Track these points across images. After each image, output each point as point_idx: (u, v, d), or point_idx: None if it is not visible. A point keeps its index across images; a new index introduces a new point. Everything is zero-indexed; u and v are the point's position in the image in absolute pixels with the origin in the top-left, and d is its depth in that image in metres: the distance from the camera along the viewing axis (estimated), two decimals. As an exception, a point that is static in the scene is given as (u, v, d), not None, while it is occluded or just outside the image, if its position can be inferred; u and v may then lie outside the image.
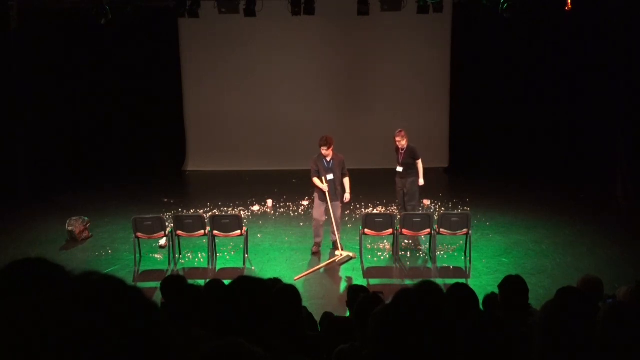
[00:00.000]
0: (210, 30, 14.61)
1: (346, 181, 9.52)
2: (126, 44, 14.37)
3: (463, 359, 1.49)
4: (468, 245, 8.97)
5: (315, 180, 9.36)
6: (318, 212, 9.44)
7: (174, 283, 4.69)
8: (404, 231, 8.99)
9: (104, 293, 1.05)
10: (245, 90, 15.07)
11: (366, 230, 9.04)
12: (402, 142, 9.89)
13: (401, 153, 9.96)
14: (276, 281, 4.58)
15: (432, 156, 15.02)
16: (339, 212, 9.56)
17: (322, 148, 9.35)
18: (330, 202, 9.34)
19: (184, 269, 9.07)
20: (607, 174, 12.42)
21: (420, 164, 9.92)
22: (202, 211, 11.29)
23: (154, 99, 14.84)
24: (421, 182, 9.94)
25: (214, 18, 13.75)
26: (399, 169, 9.99)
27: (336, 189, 9.39)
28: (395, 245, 9.12)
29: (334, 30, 14.63)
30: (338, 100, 15.04)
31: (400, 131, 9.98)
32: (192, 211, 11.43)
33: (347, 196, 9.53)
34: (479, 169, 14.12)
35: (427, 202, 11.95)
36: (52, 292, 1.04)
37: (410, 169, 9.92)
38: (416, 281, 1.66)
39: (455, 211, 10.35)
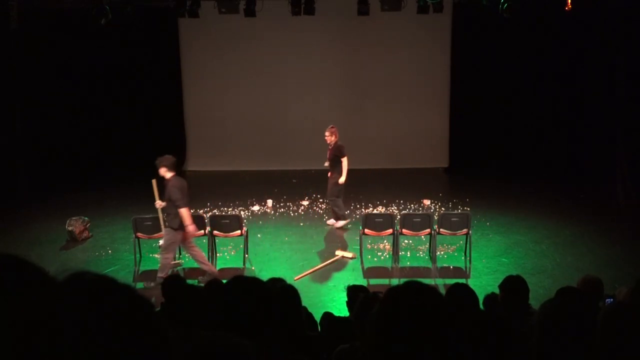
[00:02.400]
0: (210, 30, 14.60)
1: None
2: (126, 44, 14.37)
3: (462, 358, 1.48)
4: (468, 245, 8.97)
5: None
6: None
7: (175, 283, 4.69)
8: (404, 231, 8.99)
9: (96, 292, 1.05)
10: (245, 90, 15.07)
11: (366, 230, 9.04)
12: (331, 138, 10.19)
13: (329, 149, 10.26)
14: (278, 280, 4.58)
15: (432, 156, 15.05)
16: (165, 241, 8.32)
17: None
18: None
19: (184, 269, 9.06)
20: (607, 174, 12.42)
21: (344, 162, 10.13)
22: (202, 211, 11.28)
23: (154, 98, 14.83)
24: (341, 180, 10.12)
25: (214, 18, 13.75)
26: (326, 164, 10.33)
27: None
28: (395, 245, 9.12)
29: (334, 30, 14.62)
30: (338, 100, 15.04)
31: (331, 127, 10.29)
32: (192, 211, 11.40)
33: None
34: (479, 169, 14.12)
35: (427, 202, 11.95)
36: (45, 292, 1.04)
37: (336, 166, 10.19)
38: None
39: (455, 211, 10.35)
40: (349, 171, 10.27)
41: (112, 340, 1.00)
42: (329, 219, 10.92)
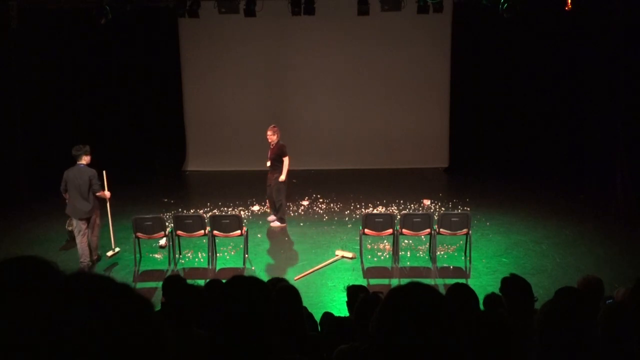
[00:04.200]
0: (210, 30, 14.61)
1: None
2: (126, 44, 14.37)
3: (462, 358, 1.49)
4: (468, 245, 8.97)
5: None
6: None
7: (176, 282, 4.69)
8: (404, 231, 8.99)
9: (95, 292, 1.05)
10: (245, 90, 15.07)
11: (366, 230, 9.04)
12: (273, 137, 10.36)
13: (271, 148, 10.39)
14: (279, 280, 4.58)
15: (432, 156, 15.06)
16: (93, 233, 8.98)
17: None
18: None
19: (184, 269, 9.06)
20: (607, 174, 12.41)
21: (286, 161, 10.30)
22: (202, 211, 11.29)
23: (154, 98, 14.83)
24: (281, 178, 10.27)
25: (214, 18, 13.75)
26: (268, 163, 10.48)
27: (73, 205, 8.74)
28: (395, 245, 9.12)
29: (334, 30, 14.63)
30: (338, 100, 15.04)
31: (273, 127, 10.46)
32: (192, 211, 11.42)
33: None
34: (479, 169, 14.12)
35: (427, 202, 11.95)
36: (42, 292, 1.04)
37: (278, 165, 10.34)
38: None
39: (455, 211, 10.35)
40: (289, 171, 10.49)
41: (111, 341, 1.00)
42: (269, 215, 10.99)
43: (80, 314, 1.00)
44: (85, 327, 0.99)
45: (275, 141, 10.35)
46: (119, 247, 9.58)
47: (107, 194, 9.18)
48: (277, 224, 10.70)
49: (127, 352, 1.01)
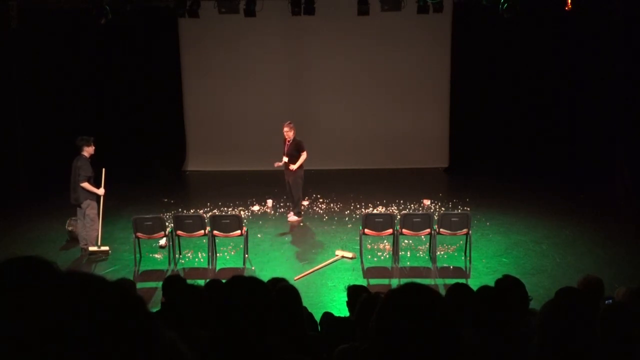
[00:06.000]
0: (210, 30, 14.61)
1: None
2: (126, 44, 14.37)
3: (461, 358, 1.49)
4: (468, 245, 8.97)
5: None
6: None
7: (176, 282, 4.69)
8: (404, 231, 8.98)
9: (86, 292, 1.04)
10: (245, 90, 15.07)
11: (366, 230, 9.04)
12: (290, 134, 10.54)
13: (287, 144, 10.53)
14: (279, 280, 4.58)
15: (432, 156, 15.06)
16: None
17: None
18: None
19: (184, 269, 9.06)
20: (607, 174, 12.41)
21: (304, 155, 10.55)
22: (202, 211, 11.29)
23: (154, 98, 14.83)
24: (293, 167, 10.47)
25: (214, 18, 13.75)
26: (285, 159, 10.63)
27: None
28: (395, 245, 9.12)
29: (334, 30, 14.62)
30: (337, 100, 15.03)
31: (289, 123, 10.63)
32: (192, 211, 11.42)
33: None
34: (479, 169, 14.11)
35: (427, 202, 11.95)
36: (42, 293, 1.04)
37: (295, 161, 10.53)
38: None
39: (455, 211, 10.35)
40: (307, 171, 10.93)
41: (100, 341, 0.99)
42: (291, 214, 11.20)
43: (72, 315, 1.00)
44: (76, 327, 0.99)
45: (292, 137, 10.48)
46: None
47: (100, 191, 9.32)
48: (294, 217, 11.00)
49: (119, 353, 1.01)
